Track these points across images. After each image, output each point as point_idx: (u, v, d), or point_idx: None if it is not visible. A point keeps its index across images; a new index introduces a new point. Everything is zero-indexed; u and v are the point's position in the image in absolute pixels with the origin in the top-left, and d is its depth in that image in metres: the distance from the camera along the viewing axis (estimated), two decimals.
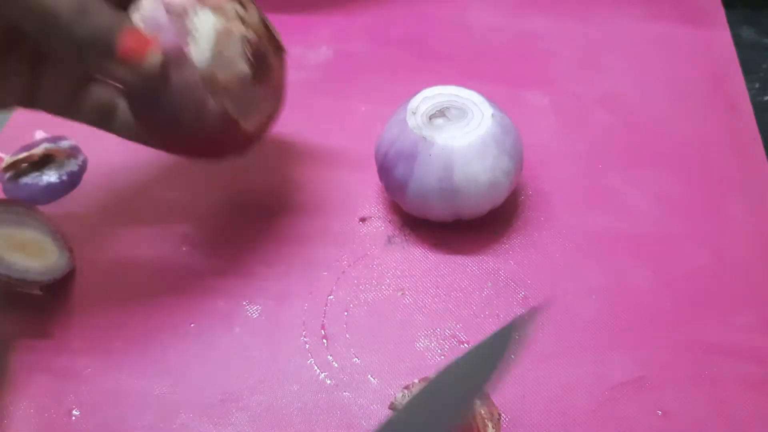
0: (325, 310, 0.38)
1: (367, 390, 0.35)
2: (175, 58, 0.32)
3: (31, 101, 0.34)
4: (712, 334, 0.36)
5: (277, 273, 0.39)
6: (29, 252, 0.35)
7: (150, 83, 0.31)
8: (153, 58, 0.30)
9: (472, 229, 0.40)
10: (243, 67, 0.33)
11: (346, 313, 0.37)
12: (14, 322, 0.37)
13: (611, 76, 0.50)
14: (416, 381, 0.34)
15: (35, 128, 0.46)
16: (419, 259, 0.40)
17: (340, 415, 0.34)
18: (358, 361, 0.36)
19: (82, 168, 0.44)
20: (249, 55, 0.33)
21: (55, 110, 0.35)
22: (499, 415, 0.33)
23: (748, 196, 0.42)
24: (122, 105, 0.36)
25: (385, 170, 0.39)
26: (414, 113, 0.39)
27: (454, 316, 0.37)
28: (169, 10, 0.32)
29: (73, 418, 0.34)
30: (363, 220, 0.42)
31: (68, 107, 0.35)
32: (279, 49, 0.36)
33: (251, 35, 0.33)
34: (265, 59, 0.34)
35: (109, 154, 0.44)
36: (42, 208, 0.37)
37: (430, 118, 0.38)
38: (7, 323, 0.37)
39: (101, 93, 0.35)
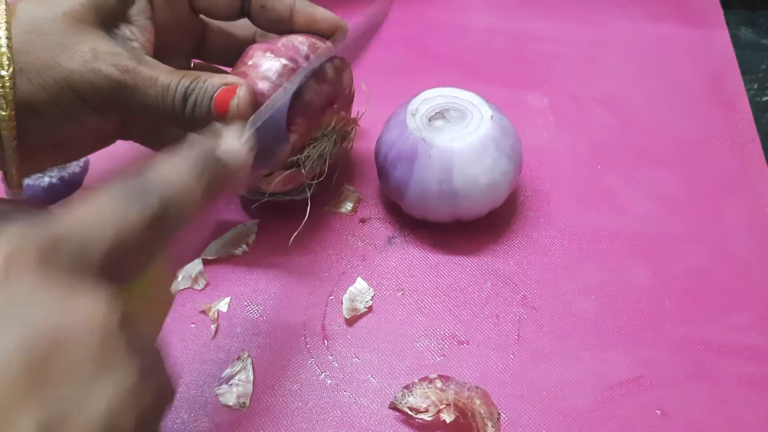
0: (325, 310, 0.38)
1: (368, 389, 0.35)
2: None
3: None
4: (711, 334, 0.36)
5: (277, 273, 0.39)
6: None
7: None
8: (234, 103, 0.32)
9: (472, 230, 0.40)
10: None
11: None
12: None
13: (610, 76, 0.50)
14: (416, 380, 0.34)
15: None
16: (419, 260, 0.40)
17: (340, 414, 0.34)
18: (358, 360, 0.36)
19: (84, 170, 0.44)
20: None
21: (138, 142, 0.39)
22: (499, 414, 0.33)
23: (747, 196, 0.42)
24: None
25: (384, 171, 0.39)
26: (414, 115, 0.39)
27: (453, 315, 0.37)
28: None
29: None
30: (363, 220, 0.42)
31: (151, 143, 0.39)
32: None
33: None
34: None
35: (110, 156, 0.44)
36: None
37: (430, 120, 0.39)
38: None
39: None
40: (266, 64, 0.34)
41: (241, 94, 0.32)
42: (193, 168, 0.25)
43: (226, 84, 0.33)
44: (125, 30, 0.33)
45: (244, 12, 0.36)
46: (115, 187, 0.23)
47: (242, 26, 0.39)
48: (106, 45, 0.31)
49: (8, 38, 0.30)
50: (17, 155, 0.32)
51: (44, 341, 0.18)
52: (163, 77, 0.32)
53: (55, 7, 0.31)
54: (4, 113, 0.30)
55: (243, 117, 0.33)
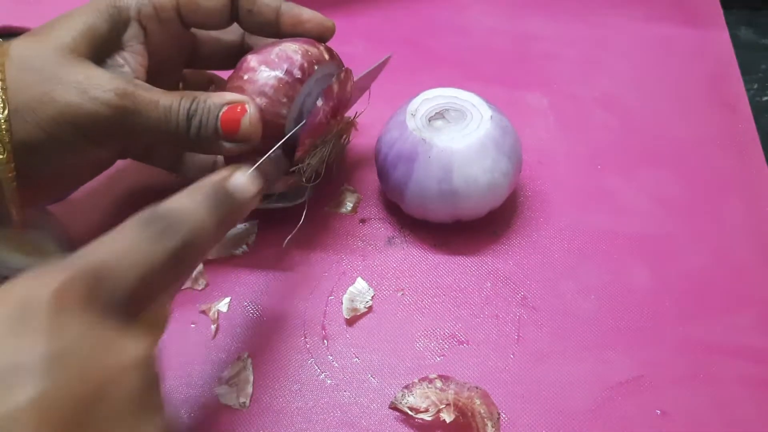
0: (325, 310, 0.38)
1: (367, 390, 0.35)
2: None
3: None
4: (711, 334, 0.36)
5: (277, 274, 0.39)
6: (26, 251, 0.35)
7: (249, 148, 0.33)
8: (246, 122, 0.32)
9: (472, 230, 0.40)
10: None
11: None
12: None
13: (610, 77, 0.50)
14: (416, 380, 0.34)
15: None
16: (419, 260, 0.40)
17: (340, 414, 0.34)
18: (358, 360, 0.36)
19: None
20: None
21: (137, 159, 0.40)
22: (499, 414, 0.33)
23: (747, 196, 0.42)
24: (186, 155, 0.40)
25: (384, 172, 0.39)
26: (413, 115, 0.39)
27: (453, 315, 0.37)
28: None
29: None
30: (363, 221, 0.42)
31: (149, 160, 0.40)
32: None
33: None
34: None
35: None
36: None
37: (430, 120, 0.39)
38: None
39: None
40: (262, 79, 0.34)
41: (252, 112, 0.32)
42: (207, 204, 0.26)
43: (228, 102, 0.32)
44: (117, 58, 0.33)
45: (232, 18, 0.36)
46: (138, 224, 0.24)
47: (229, 30, 0.39)
48: (100, 73, 0.31)
49: (2, 80, 0.30)
50: (17, 196, 0.31)
51: (94, 384, 0.19)
52: (163, 99, 0.32)
53: (46, 43, 0.31)
54: (1, 157, 0.30)
55: (255, 134, 0.33)
